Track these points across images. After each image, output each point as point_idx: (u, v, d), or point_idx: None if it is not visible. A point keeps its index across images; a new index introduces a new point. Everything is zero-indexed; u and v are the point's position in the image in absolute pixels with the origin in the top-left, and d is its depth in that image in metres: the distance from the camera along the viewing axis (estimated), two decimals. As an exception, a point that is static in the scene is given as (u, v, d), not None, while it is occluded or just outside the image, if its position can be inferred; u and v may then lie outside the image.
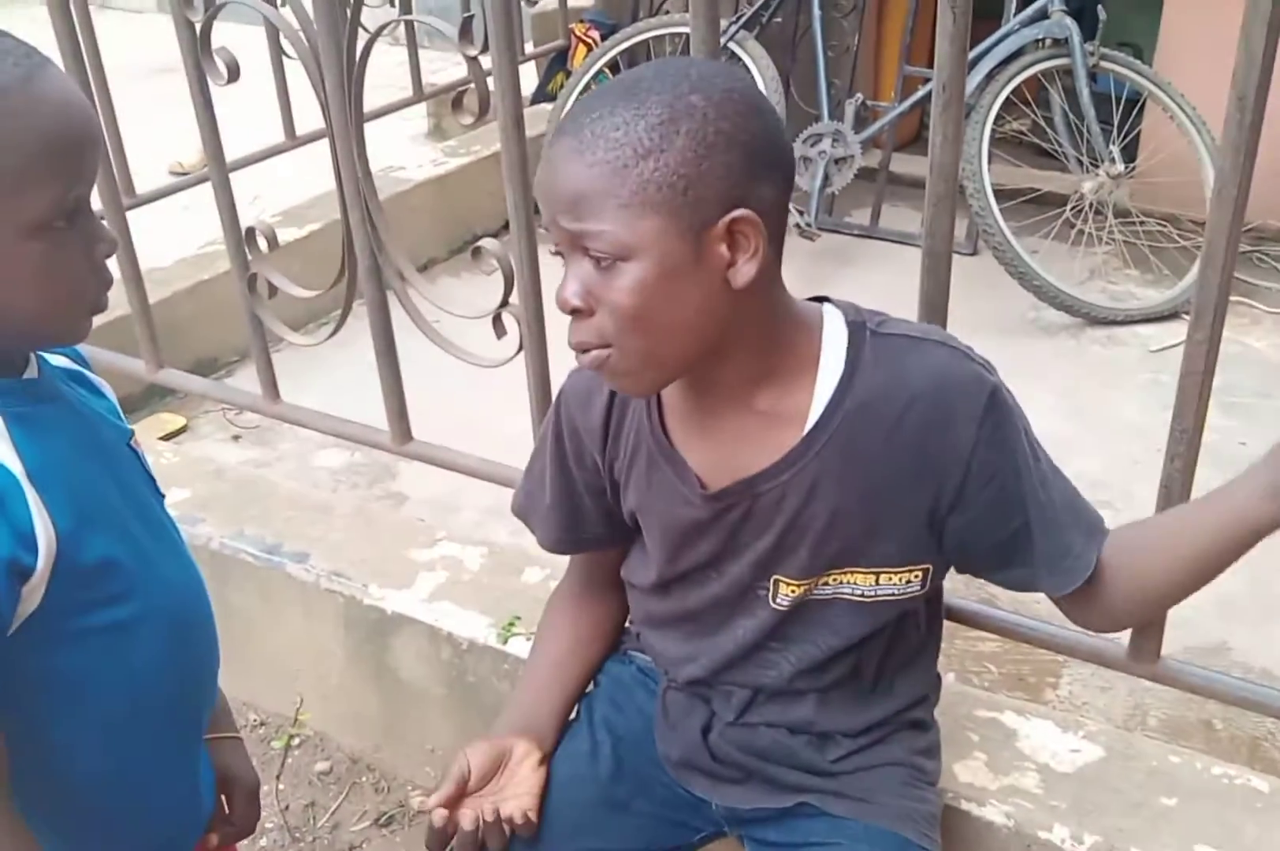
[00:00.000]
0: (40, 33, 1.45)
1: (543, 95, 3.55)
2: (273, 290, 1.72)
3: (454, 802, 1.10)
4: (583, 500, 1.15)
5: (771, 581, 1.07)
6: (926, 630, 1.16)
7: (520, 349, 1.52)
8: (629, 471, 1.09)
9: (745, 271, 0.92)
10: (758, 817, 1.16)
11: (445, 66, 4.07)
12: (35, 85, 0.77)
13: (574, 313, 0.94)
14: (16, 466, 0.81)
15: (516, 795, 1.13)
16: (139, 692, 0.91)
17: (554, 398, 1.14)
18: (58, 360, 0.94)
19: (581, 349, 0.95)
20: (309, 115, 2.62)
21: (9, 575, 0.79)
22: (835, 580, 1.06)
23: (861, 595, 1.06)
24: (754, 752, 1.15)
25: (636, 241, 0.89)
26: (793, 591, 1.07)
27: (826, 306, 1.03)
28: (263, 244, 1.70)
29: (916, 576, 1.06)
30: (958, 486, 1.00)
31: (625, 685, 1.26)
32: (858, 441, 1.00)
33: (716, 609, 1.12)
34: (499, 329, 1.52)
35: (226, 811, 1.09)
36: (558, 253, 0.94)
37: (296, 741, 1.77)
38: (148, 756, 0.94)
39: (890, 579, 1.06)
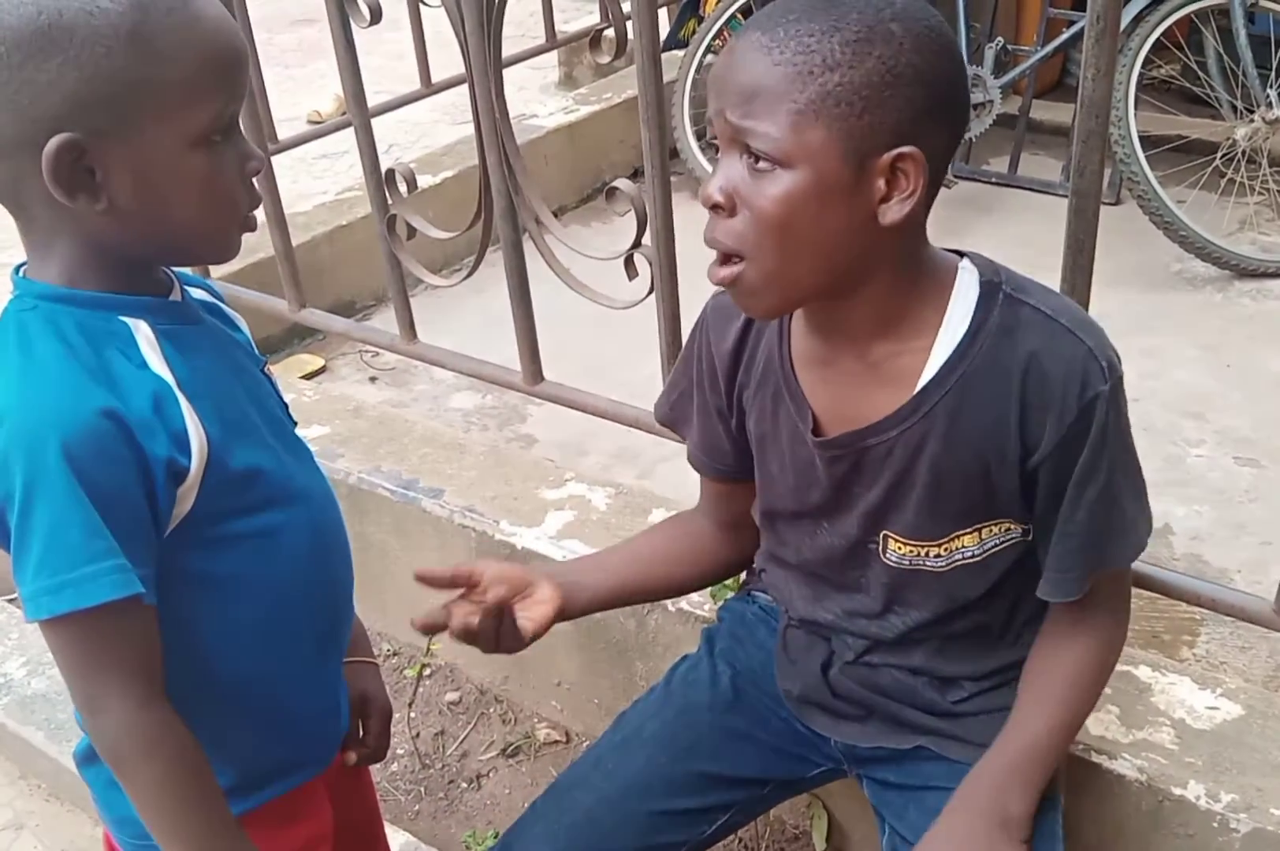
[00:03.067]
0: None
1: (674, 41, 3.51)
2: (411, 232, 1.76)
3: (444, 586, 1.06)
4: (715, 423, 1.15)
5: (881, 536, 1.07)
6: None
7: (651, 290, 1.52)
8: (755, 400, 1.09)
9: (897, 209, 0.90)
10: (876, 757, 1.17)
11: (577, 15, 4.07)
12: (195, 4, 0.80)
13: (714, 208, 0.93)
14: (168, 376, 0.85)
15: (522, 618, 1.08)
16: (283, 598, 0.94)
17: (695, 322, 1.14)
18: (197, 293, 0.97)
19: (713, 246, 0.94)
20: (440, 65, 2.65)
21: (166, 475, 0.83)
22: (946, 549, 1.06)
23: (973, 556, 1.06)
24: (874, 689, 1.15)
25: (799, 150, 0.87)
26: (900, 548, 1.06)
27: (964, 262, 1.00)
28: (402, 187, 1.73)
29: (1016, 526, 1.05)
30: (1036, 463, 0.99)
31: (747, 621, 1.27)
32: (964, 407, 0.98)
33: (830, 561, 1.12)
34: (631, 270, 1.53)
35: (361, 735, 1.12)
36: (714, 144, 0.94)
37: (428, 671, 1.82)
38: (291, 662, 0.98)
39: (991, 531, 1.05)
